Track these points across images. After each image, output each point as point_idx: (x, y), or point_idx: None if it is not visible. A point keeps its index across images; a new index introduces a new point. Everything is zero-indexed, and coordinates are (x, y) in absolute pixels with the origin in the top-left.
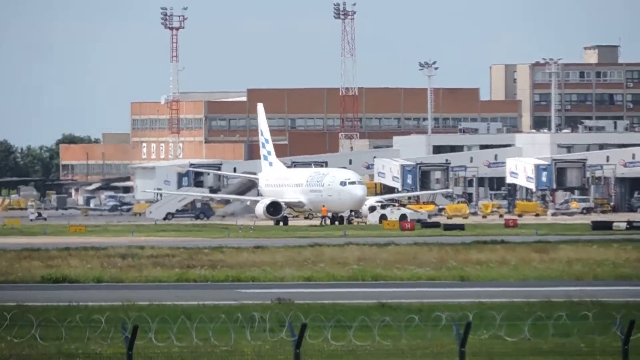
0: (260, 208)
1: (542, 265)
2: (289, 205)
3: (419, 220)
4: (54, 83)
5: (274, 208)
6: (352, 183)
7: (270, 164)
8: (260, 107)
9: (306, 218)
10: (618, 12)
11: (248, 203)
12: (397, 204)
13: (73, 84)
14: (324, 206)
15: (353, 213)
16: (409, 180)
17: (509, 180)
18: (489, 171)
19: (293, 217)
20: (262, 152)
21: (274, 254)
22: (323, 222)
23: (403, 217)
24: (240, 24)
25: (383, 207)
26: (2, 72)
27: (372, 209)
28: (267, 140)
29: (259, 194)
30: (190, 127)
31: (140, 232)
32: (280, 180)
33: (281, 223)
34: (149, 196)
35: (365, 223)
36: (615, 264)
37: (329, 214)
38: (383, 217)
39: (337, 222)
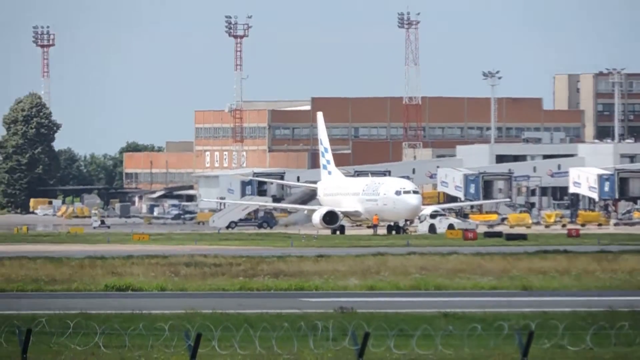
0: (316, 217)
1: (604, 275)
2: (346, 214)
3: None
4: (118, 91)
5: (330, 217)
6: (407, 192)
7: (329, 173)
8: (319, 115)
9: (369, 227)
10: None
11: (306, 212)
12: (447, 214)
13: (137, 92)
14: (375, 215)
15: (408, 222)
16: (472, 190)
17: (572, 190)
18: (551, 181)
19: (357, 226)
20: (322, 161)
21: (336, 263)
22: (375, 231)
23: (451, 226)
24: (304, 33)
25: (432, 216)
26: (66, 80)
27: (420, 218)
28: (326, 149)
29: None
30: (253, 136)
31: (204, 240)
32: (337, 189)
33: (338, 232)
34: (212, 205)
35: (415, 232)
36: None
37: (385, 223)
38: (432, 227)
39: (393, 232)
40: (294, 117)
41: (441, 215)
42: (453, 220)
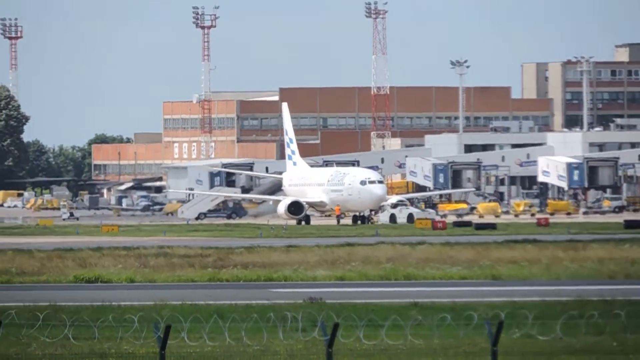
0: (281, 208)
1: (574, 264)
2: (311, 204)
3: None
4: (86, 83)
5: (295, 208)
6: (372, 182)
7: (295, 163)
8: (284, 106)
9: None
10: None
11: (271, 203)
12: (407, 204)
13: (105, 83)
14: (338, 205)
15: (372, 212)
16: (441, 179)
17: (541, 179)
18: (520, 170)
19: (326, 216)
20: (287, 151)
21: (306, 254)
22: (339, 221)
23: (410, 216)
24: (271, 23)
25: (394, 206)
26: (35, 72)
27: (382, 208)
28: (291, 140)
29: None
30: (222, 127)
31: (173, 232)
32: (302, 179)
33: (303, 222)
34: (181, 196)
35: (377, 221)
36: None
37: (350, 213)
38: (392, 217)
39: (359, 222)
40: (262, 108)
41: (402, 205)
42: (413, 209)
